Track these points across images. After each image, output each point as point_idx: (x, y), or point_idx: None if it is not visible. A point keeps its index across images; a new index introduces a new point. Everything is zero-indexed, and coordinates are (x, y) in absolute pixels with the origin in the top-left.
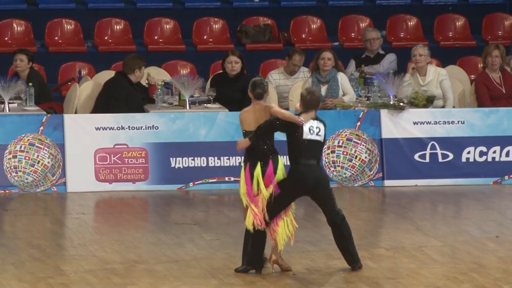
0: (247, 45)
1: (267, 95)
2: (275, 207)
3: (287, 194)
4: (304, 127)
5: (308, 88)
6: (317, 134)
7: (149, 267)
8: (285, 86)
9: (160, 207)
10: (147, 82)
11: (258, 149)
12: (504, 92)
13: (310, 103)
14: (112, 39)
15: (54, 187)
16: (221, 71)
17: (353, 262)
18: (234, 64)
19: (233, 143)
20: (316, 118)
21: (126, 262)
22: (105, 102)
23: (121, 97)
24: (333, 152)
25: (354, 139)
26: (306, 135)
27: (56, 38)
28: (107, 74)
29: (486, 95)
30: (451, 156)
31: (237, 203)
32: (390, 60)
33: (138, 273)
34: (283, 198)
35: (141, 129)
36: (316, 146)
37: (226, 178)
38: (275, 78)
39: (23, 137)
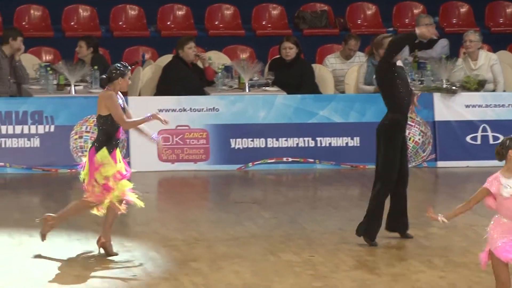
0: (304, 30)
1: (121, 82)
2: None
3: None
4: None
5: None
6: None
7: (210, 244)
8: (341, 70)
9: (220, 186)
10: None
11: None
12: None
13: None
14: (175, 24)
15: None
16: (279, 56)
17: None
18: (288, 50)
19: (290, 125)
20: None
21: (187, 240)
22: (165, 86)
23: (179, 80)
24: None
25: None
26: None
27: (120, 23)
28: (169, 58)
29: None
30: (501, 138)
31: (295, 183)
32: (442, 45)
33: (199, 250)
34: None
35: (202, 111)
36: None
37: (284, 159)
38: (332, 62)
39: (89, 118)
